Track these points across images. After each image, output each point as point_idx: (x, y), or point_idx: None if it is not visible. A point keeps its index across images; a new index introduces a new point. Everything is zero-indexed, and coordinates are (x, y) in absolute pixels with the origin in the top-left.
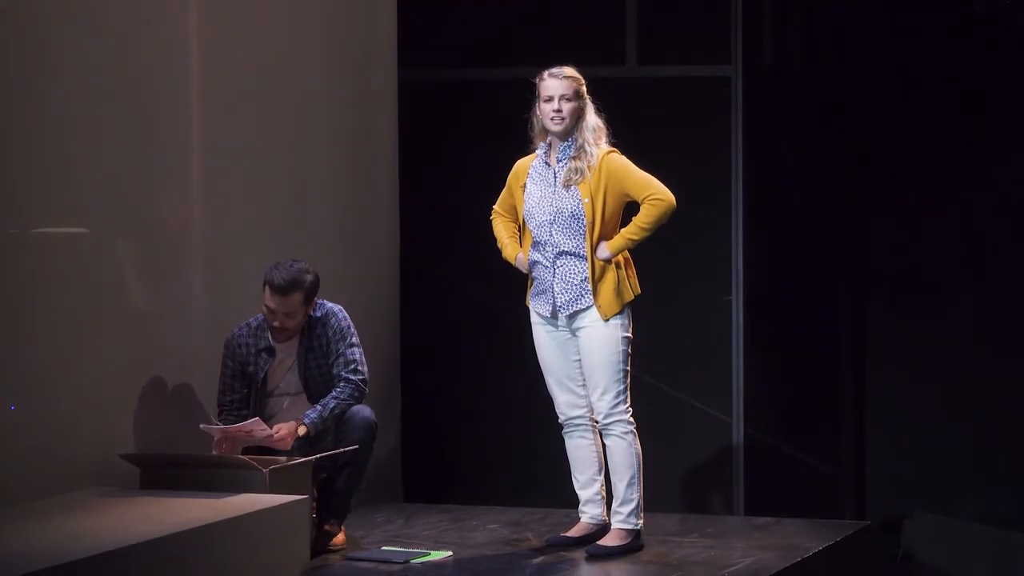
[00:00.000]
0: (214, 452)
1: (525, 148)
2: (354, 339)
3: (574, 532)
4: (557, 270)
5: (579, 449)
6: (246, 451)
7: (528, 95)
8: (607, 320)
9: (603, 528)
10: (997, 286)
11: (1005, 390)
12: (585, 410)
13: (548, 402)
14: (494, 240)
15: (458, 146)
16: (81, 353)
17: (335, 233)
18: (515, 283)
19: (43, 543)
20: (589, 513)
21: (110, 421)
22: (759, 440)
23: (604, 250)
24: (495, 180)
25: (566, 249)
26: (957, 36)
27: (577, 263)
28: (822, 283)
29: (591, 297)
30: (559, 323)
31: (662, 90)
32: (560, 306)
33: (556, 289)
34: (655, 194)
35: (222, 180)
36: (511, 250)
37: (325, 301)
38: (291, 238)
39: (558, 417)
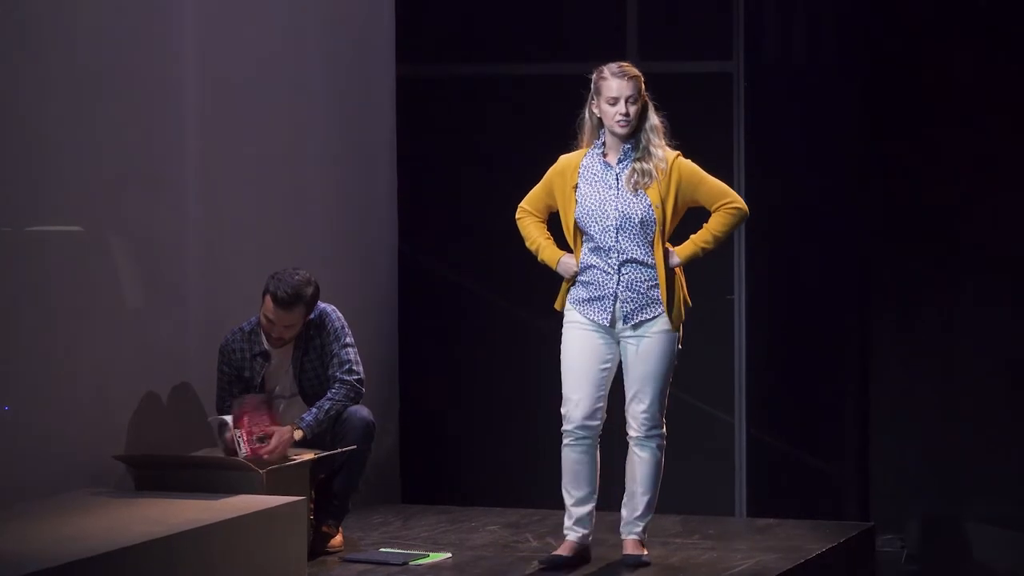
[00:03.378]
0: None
1: (524, 144)
2: (348, 339)
3: (565, 551)
4: (623, 278)
5: (582, 464)
6: None
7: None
8: (675, 331)
9: (587, 548)
10: (1002, 286)
11: (1010, 390)
12: (600, 423)
13: (547, 403)
14: (521, 239)
15: (457, 143)
16: (75, 353)
17: (333, 232)
18: (515, 282)
19: (38, 545)
20: (580, 532)
21: (105, 422)
22: (762, 441)
23: (675, 256)
24: (494, 176)
25: (634, 256)
26: (962, 31)
27: (644, 271)
28: (826, 281)
29: (659, 306)
30: (616, 331)
31: (663, 86)
32: (625, 315)
33: (621, 297)
34: (733, 202)
35: (218, 178)
36: (551, 252)
37: (319, 302)
38: (288, 237)
39: (566, 425)
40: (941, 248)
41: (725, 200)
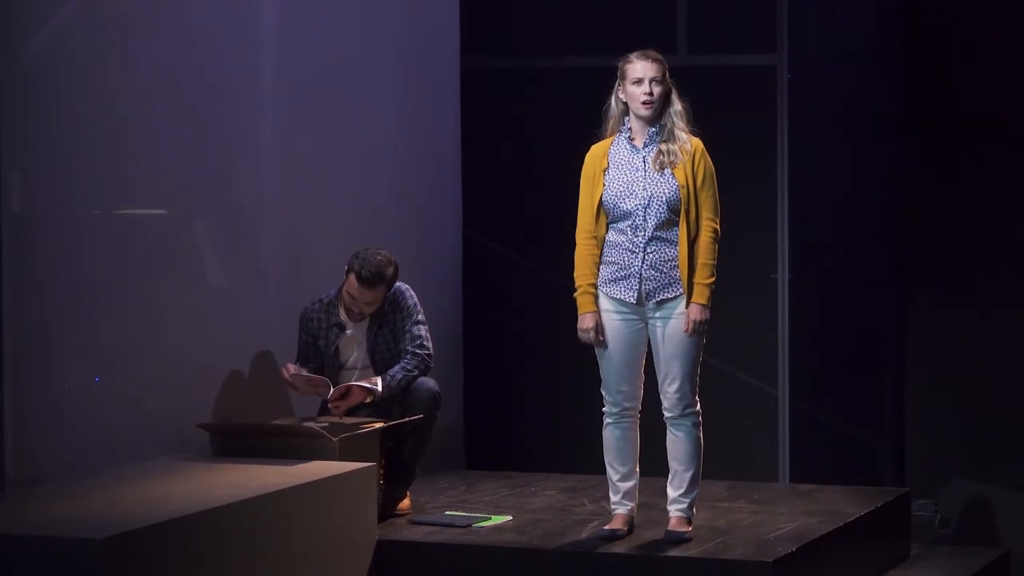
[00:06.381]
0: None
1: (576, 132)
2: (420, 317)
3: (620, 525)
4: (647, 256)
5: (625, 440)
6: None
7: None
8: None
9: (633, 519)
10: None
11: None
12: (639, 401)
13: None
14: (572, 267)
15: (516, 132)
16: (161, 328)
17: (403, 215)
18: (571, 259)
19: (126, 507)
20: (629, 506)
21: (188, 392)
22: (803, 410)
23: (703, 311)
24: (551, 164)
25: (659, 235)
26: (1006, 22)
27: (668, 249)
28: (865, 257)
29: (679, 286)
30: (645, 310)
31: (709, 78)
32: (648, 292)
33: (644, 275)
34: (716, 223)
35: (295, 164)
36: (587, 306)
37: None
38: (360, 219)
39: (608, 408)
40: (978, 228)
41: (714, 218)
